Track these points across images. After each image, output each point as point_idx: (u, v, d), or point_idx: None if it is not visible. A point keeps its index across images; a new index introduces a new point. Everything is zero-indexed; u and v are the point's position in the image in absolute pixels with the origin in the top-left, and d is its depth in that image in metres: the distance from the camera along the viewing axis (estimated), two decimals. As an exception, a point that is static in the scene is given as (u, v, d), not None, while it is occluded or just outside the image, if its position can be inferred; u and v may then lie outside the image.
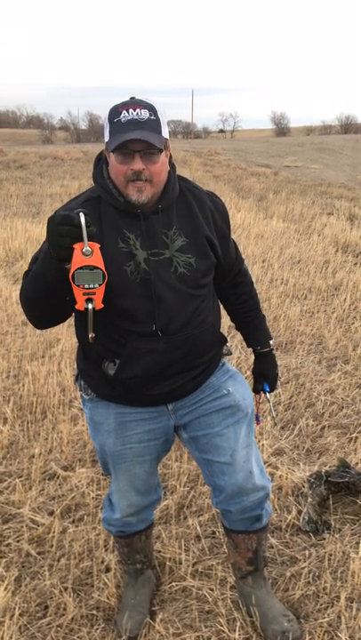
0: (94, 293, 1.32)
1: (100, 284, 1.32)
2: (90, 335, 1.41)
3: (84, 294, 1.32)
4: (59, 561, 2.18)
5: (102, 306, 1.35)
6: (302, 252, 6.72)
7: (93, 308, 1.34)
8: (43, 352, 4.04)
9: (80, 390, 1.72)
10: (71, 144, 31.11)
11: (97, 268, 1.30)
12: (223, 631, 1.87)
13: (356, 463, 2.75)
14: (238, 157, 20.60)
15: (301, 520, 2.34)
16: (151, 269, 1.51)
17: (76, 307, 1.34)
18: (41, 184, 12.74)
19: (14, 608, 1.95)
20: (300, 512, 2.41)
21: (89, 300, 1.33)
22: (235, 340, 3.96)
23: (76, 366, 1.76)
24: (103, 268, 1.31)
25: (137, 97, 1.49)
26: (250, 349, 1.95)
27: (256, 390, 1.90)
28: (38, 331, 4.30)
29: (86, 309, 1.34)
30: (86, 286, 1.31)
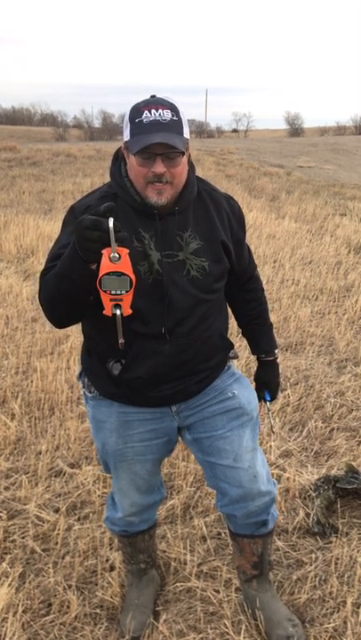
0: (121, 300, 1.30)
1: (127, 291, 1.29)
2: (120, 341, 1.40)
3: (111, 300, 1.30)
4: (63, 558, 2.18)
5: (130, 312, 1.33)
6: (314, 253, 6.68)
7: (122, 314, 1.32)
8: (52, 349, 4.04)
9: (83, 387, 1.71)
10: (84, 142, 31.15)
11: (124, 274, 1.27)
12: (228, 633, 1.85)
13: (365, 467, 2.72)
14: (251, 157, 20.53)
15: (311, 521, 2.32)
16: (164, 271, 1.49)
17: (104, 312, 1.32)
18: (53, 181, 12.76)
19: (18, 605, 1.95)
20: (307, 515, 2.38)
21: (117, 306, 1.31)
22: (244, 341, 3.94)
23: (80, 363, 1.75)
24: (131, 275, 1.28)
25: (158, 95, 1.45)
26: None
27: (257, 398, 1.88)
28: (48, 327, 4.30)
29: (114, 315, 1.32)
30: (113, 292, 1.29)
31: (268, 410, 1.92)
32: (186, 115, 1.48)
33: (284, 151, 23.48)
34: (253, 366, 3.64)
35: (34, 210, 9.51)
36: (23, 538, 2.28)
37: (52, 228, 7.38)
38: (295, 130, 60.16)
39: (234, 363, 1.80)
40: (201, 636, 1.85)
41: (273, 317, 4.55)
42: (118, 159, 1.55)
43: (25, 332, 4.32)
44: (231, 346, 1.74)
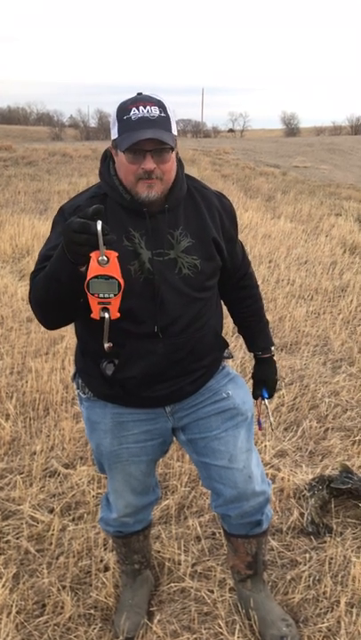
0: (110, 303, 1.28)
1: (115, 294, 1.27)
2: (106, 345, 1.38)
3: (99, 303, 1.28)
4: (57, 559, 2.17)
5: (119, 315, 1.31)
6: (309, 253, 6.69)
7: (109, 318, 1.30)
8: (47, 349, 4.04)
9: (77, 389, 1.70)
10: (80, 141, 31.12)
11: (112, 277, 1.26)
12: (222, 633, 1.85)
13: (360, 467, 2.72)
14: (247, 157, 20.55)
15: (305, 521, 2.32)
16: (155, 270, 1.48)
17: (92, 316, 1.30)
18: (49, 181, 12.74)
19: (11, 605, 1.94)
20: (301, 514, 2.39)
21: (105, 310, 1.29)
22: (240, 341, 3.94)
23: (74, 364, 1.75)
24: (120, 278, 1.27)
25: (145, 93, 1.45)
26: None
27: (255, 396, 1.87)
28: (43, 327, 4.29)
29: (102, 318, 1.31)
30: (101, 296, 1.27)
31: (267, 407, 1.91)
32: (173, 111, 1.46)
33: (280, 151, 23.52)
34: (249, 366, 3.65)
35: (29, 210, 9.49)
36: (17, 538, 2.28)
37: (48, 227, 7.30)
38: (291, 130, 60.28)
39: (228, 363, 1.80)
40: (195, 636, 1.85)
41: (268, 317, 4.52)
42: (107, 159, 1.54)
43: (20, 333, 4.31)
44: (226, 345, 1.73)
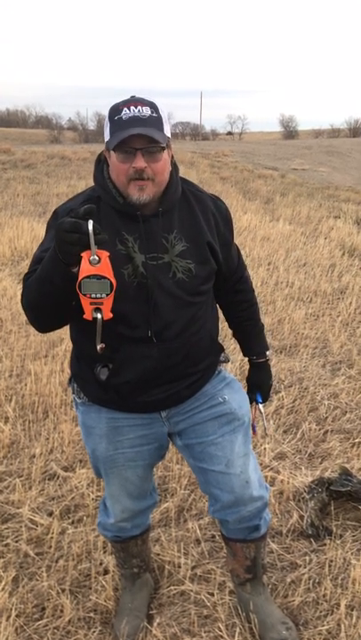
0: (102, 303, 1.27)
1: (107, 294, 1.26)
2: (98, 346, 1.37)
3: (91, 304, 1.27)
4: (57, 562, 2.17)
5: (111, 315, 1.30)
6: (308, 255, 6.69)
7: (102, 318, 1.29)
8: (46, 351, 4.03)
9: (73, 393, 1.70)
10: (79, 144, 31.13)
11: (104, 277, 1.25)
12: (222, 636, 1.85)
13: (359, 469, 2.72)
14: (246, 159, 20.57)
15: (305, 523, 2.32)
16: (149, 274, 1.47)
17: (84, 316, 1.29)
18: (48, 183, 12.75)
19: (11, 609, 1.94)
20: (301, 517, 2.38)
21: (97, 310, 1.28)
22: (238, 343, 3.94)
23: (70, 369, 1.74)
24: (111, 278, 1.26)
25: (138, 95, 1.45)
26: None
27: (249, 401, 1.86)
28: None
29: (95, 319, 1.30)
30: (93, 296, 1.26)
31: (261, 412, 1.91)
32: (166, 113, 1.47)
33: (279, 154, 23.55)
34: (246, 367, 3.65)
35: (28, 212, 9.49)
36: (17, 541, 2.28)
37: (46, 230, 7.35)
38: (290, 132, 60.44)
39: (225, 367, 1.79)
40: (195, 639, 1.85)
41: (267, 320, 4.55)
42: (101, 162, 1.54)
43: (19, 335, 4.30)
44: (221, 349, 1.73)
